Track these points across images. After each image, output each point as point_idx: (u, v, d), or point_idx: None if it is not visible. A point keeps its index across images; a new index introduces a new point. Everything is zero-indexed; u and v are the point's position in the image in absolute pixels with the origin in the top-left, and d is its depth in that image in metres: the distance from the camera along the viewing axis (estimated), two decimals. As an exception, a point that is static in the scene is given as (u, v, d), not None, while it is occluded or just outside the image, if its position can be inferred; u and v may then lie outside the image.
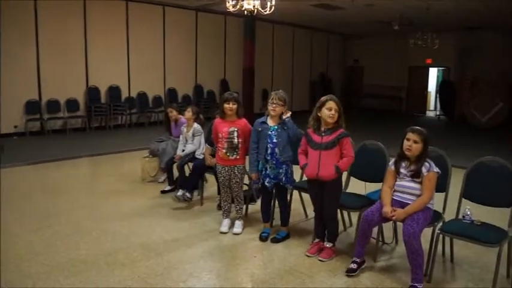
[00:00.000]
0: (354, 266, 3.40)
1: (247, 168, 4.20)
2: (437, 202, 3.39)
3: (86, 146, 8.88)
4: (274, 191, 4.11)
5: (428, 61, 17.08)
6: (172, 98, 12.38)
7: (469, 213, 3.37)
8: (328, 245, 3.76)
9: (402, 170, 3.36)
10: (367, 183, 4.12)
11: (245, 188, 4.57)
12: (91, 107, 10.89)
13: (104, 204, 5.16)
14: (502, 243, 3.06)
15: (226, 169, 4.17)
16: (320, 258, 3.67)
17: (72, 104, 10.68)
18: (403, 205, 3.30)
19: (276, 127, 3.90)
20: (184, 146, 5.51)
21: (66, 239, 4.03)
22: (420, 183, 3.27)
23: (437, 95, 17.12)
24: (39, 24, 10.02)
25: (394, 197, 3.38)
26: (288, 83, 16.36)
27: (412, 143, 3.26)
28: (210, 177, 5.15)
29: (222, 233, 4.24)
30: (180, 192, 5.03)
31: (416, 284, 3.10)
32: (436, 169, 3.25)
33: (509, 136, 11.39)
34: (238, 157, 4.15)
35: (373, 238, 3.65)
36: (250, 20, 12.15)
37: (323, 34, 18.00)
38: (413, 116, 17.17)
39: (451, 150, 3.65)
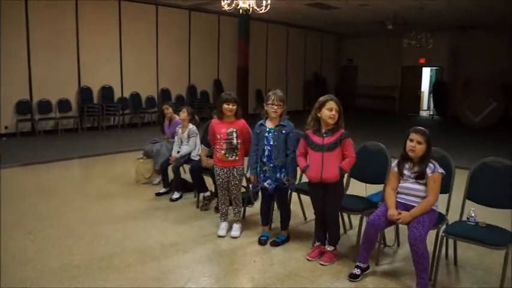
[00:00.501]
0: (357, 271, 3.32)
1: (245, 169, 4.10)
2: (440, 204, 3.31)
3: (78, 147, 8.76)
4: (273, 193, 4.00)
5: (422, 61, 17.12)
6: (166, 99, 12.24)
7: (473, 214, 3.31)
8: (329, 248, 3.68)
9: (406, 172, 3.29)
10: (367, 184, 4.04)
11: (242, 190, 4.49)
12: (83, 107, 10.76)
13: (97, 206, 5.05)
14: (508, 245, 2.99)
15: (225, 171, 4.08)
16: (321, 262, 3.59)
17: (64, 104, 10.53)
18: (407, 207, 3.23)
19: (273, 129, 3.82)
20: (180, 147, 5.45)
21: (58, 243, 3.91)
22: (424, 184, 3.20)
23: (431, 95, 17.15)
24: (31, 23, 9.86)
25: (398, 199, 3.31)
26: (282, 83, 16.31)
27: (415, 144, 3.20)
28: (206, 179, 5.04)
29: (219, 236, 4.15)
30: (200, 197, 5.01)
31: (421, 289, 3.03)
32: (440, 170, 3.19)
33: (505, 136, 11.41)
34: (237, 158, 4.08)
35: (377, 242, 3.56)
36: (245, 19, 12.07)
37: (317, 33, 17.99)
38: (407, 115, 17.19)
39: (451, 150, 3.58)
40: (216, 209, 4.78)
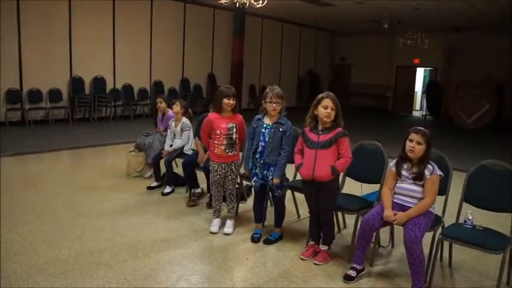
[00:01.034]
0: (352, 273, 3.27)
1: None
2: (436, 205, 3.26)
3: (69, 138, 8.62)
4: (267, 190, 3.97)
5: (416, 61, 17.16)
6: (158, 91, 12.16)
7: (470, 217, 3.28)
8: (323, 248, 3.63)
9: (404, 172, 3.25)
10: (363, 184, 4.01)
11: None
12: (74, 97, 10.60)
13: (87, 199, 4.96)
14: (506, 249, 2.96)
15: (223, 166, 4.02)
16: (315, 262, 3.55)
17: (54, 94, 10.35)
18: (403, 208, 3.19)
19: (270, 126, 3.76)
20: (172, 141, 5.40)
21: (46, 237, 3.81)
22: (422, 186, 3.17)
23: (424, 95, 17.19)
24: (22, 11, 9.65)
25: (395, 200, 3.28)
26: (276, 79, 16.29)
27: (415, 144, 3.16)
28: (199, 174, 4.98)
29: (212, 233, 4.09)
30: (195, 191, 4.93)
31: (416, 291, 2.99)
32: (439, 172, 3.15)
33: (498, 137, 11.46)
34: (235, 153, 4.04)
35: (371, 242, 3.52)
36: (240, 13, 11.97)
37: (312, 31, 17.95)
38: (400, 115, 17.22)
39: (445, 151, 3.54)
40: (209, 205, 4.74)
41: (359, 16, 13.39)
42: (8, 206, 4.58)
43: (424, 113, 17.22)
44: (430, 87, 16.53)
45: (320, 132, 3.44)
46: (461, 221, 3.37)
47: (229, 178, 4.06)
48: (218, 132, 3.94)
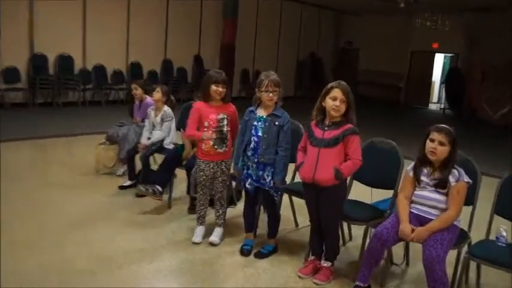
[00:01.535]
0: (357, 293, 3.20)
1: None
2: (461, 218, 3.19)
3: (28, 125, 8.52)
4: (255, 194, 3.90)
5: (435, 45, 17.09)
6: (136, 74, 12.07)
7: (504, 234, 3.22)
8: (325, 264, 3.56)
9: (423, 178, 3.18)
10: (373, 189, 3.96)
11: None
12: (35, 78, 10.48)
13: (48, 201, 4.84)
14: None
15: (212, 165, 3.95)
16: (316, 281, 3.48)
17: (10, 74, 10.19)
18: (422, 220, 3.13)
19: (264, 118, 3.69)
20: (151, 133, 5.33)
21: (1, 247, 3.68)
22: (446, 194, 3.10)
23: (443, 86, 17.17)
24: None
25: (412, 210, 3.21)
26: (273, 63, 16.18)
27: (437, 145, 3.08)
28: (179, 172, 4.89)
29: (194, 243, 4.02)
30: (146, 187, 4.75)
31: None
32: (466, 178, 3.08)
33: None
34: (226, 149, 3.96)
35: (383, 259, 3.45)
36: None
37: (313, 9, 17.88)
38: (414, 108, 17.26)
39: (471, 153, 3.49)
40: (190, 210, 4.69)
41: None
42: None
43: (442, 106, 17.22)
44: (450, 76, 16.50)
45: (326, 128, 3.36)
46: (492, 237, 3.31)
47: (219, 180, 4.00)
48: (206, 124, 3.87)
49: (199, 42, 14.18)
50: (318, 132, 3.40)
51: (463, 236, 3.25)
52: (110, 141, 5.88)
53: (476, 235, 3.39)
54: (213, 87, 3.84)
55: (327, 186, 3.34)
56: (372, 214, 3.69)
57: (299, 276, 3.54)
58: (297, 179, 4.22)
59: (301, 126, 4.30)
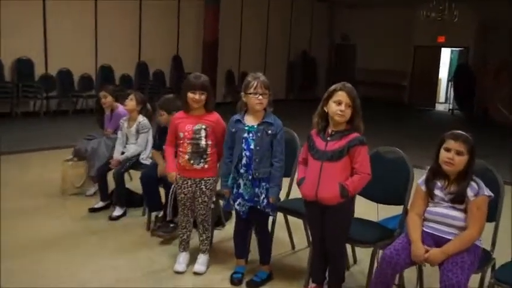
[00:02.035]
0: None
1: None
2: (483, 236, 3.15)
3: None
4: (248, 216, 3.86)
5: (441, 39, 17.25)
6: (107, 79, 12.05)
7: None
8: (329, 292, 3.53)
9: (437, 192, 3.15)
10: (380, 205, 3.94)
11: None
12: (-11, 86, 10.47)
13: (6, 228, 4.70)
14: None
15: (190, 183, 3.91)
16: (318, 312, 3.45)
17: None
18: (438, 240, 3.09)
19: (255, 128, 3.64)
20: (125, 146, 5.34)
21: None
22: (464, 210, 3.06)
23: (451, 84, 17.28)
24: None
25: (426, 229, 3.17)
26: (260, 63, 16.33)
27: (454, 155, 3.04)
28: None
29: (177, 272, 3.98)
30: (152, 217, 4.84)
31: None
32: (487, 192, 3.04)
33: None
34: (206, 166, 3.89)
35: (394, 285, 3.39)
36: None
37: (306, 2, 17.99)
38: (419, 110, 17.39)
39: (488, 160, 3.45)
40: (154, 231, 4.71)
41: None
42: None
43: (450, 107, 17.34)
44: (459, 73, 16.68)
45: (329, 138, 3.32)
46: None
47: (200, 201, 3.96)
48: (181, 135, 3.86)
49: (177, 42, 14.22)
50: (319, 143, 3.35)
51: (486, 257, 3.20)
52: (77, 157, 5.82)
53: (502, 256, 3.36)
54: (190, 94, 3.81)
55: (331, 204, 3.29)
56: (380, 234, 3.64)
57: (298, 308, 3.51)
58: (293, 195, 4.21)
59: (295, 134, 4.27)
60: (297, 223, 4.41)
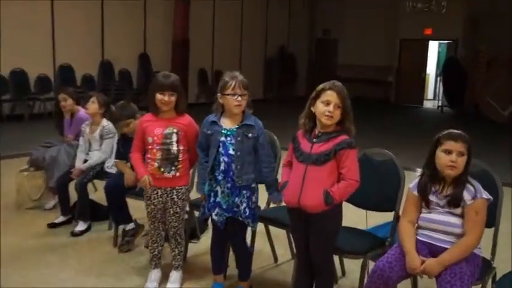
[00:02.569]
0: None
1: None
2: (482, 243, 3.15)
3: None
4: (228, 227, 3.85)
5: (428, 31, 17.49)
6: (67, 80, 12.00)
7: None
8: (315, 309, 3.52)
9: (432, 198, 3.14)
10: (368, 211, 3.97)
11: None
12: None
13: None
14: None
15: (160, 193, 3.88)
16: (305, 332, 3.44)
17: None
18: (433, 250, 3.08)
19: (234, 132, 3.62)
20: (87, 154, 5.31)
21: None
22: (461, 216, 3.05)
23: (440, 79, 17.47)
24: None
25: (420, 237, 3.16)
26: (235, 61, 16.42)
27: (456, 157, 3.02)
28: (133, 203, 4.86)
29: None
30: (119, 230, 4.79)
31: None
32: (485, 195, 3.04)
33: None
34: (178, 174, 3.86)
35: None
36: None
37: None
38: (406, 107, 17.59)
39: (484, 160, 3.47)
40: (122, 246, 4.72)
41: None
42: None
43: (439, 103, 17.56)
44: (448, 67, 16.87)
45: (315, 140, 3.28)
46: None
47: (171, 212, 3.93)
48: (150, 140, 3.83)
49: (144, 38, 14.23)
50: (305, 145, 3.33)
51: (485, 267, 3.20)
52: (34, 167, 5.78)
53: (502, 265, 3.39)
54: (158, 95, 3.78)
55: (315, 212, 3.26)
56: (370, 243, 3.65)
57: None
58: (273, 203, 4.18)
59: (275, 137, 4.26)
60: (279, 234, 4.40)
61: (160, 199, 3.88)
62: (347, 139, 3.24)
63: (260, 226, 4.15)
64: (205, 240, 4.64)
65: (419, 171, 3.34)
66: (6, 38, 11.29)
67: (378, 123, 13.26)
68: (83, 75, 12.72)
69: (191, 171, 4.04)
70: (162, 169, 3.81)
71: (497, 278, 3.22)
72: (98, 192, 5.60)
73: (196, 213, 4.62)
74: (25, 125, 11.02)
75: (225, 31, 16.31)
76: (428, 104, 18.61)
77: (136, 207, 4.82)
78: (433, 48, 19.31)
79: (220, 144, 3.62)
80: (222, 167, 3.63)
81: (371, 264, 3.32)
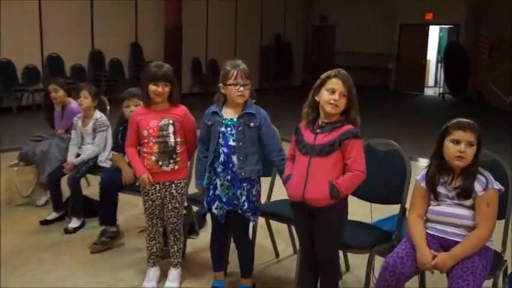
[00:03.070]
0: None
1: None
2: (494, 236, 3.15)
3: None
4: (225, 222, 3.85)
5: (429, 16, 17.46)
6: (55, 70, 11.96)
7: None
8: (320, 306, 3.52)
9: (441, 189, 3.12)
10: (373, 204, 3.97)
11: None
12: None
13: None
14: None
15: (158, 188, 3.87)
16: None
17: None
18: (443, 243, 3.07)
19: (235, 121, 3.60)
20: (80, 147, 5.31)
21: None
22: (471, 207, 3.04)
23: (441, 65, 17.46)
24: None
25: (429, 231, 3.15)
26: (230, 49, 16.42)
27: (465, 147, 3.00)
28: (130, 199, 4.91)
29: None
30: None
31: None
32: (497, 185, 3.03)
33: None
34: (177, 167, 3.86)
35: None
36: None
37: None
38: (407, 95, 17.62)
39: (493, 150, 3.46)
40: (104, 243, 4.69)
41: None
42: None
43: (441, 91, 17.58)
44: (450, 53, 16.84)
45: (318, 130, 3.25)
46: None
47: (170, 207, 3.92)
48: (145, 133, 3.81)
49: (136, 27, 14.20)
50: (308, 137, 3.30)
51: (496, 260, 3.20)
52: (24, 162, 5.79)
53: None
54: (152, 87, 3.76)
55: (320, 206, 3.24)
56: (376, 237, 3.64)
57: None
58: (275, 197, 4.16)
59: (275, 129, 4.21)
60: (280, 228, 4.40)
61: (158, 194, 3.88)
62: (351, 129, 3.22)
63: (261, 221, 4.16)
64: (204, 236, 4.66)
65: (421, 160, 3.32)
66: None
67: (378, 112, 13.20)
68: (72, 65, 12.69)
69: (189, 163, 4.02)
70: (160, 163, 3.80)
71: (509, 271, 3.22)
72: (91, 187, 5.59)
73: (195, 208, 4.65)
74: (13, 118, 11.01)
75: (220, 19, 16.28)
76: (429, 92, 18.59)
77: (132, 204, 4.81)
78: (434, 33, 19.27)
79: (220, 135, 3.62)
80: (221, 159, 3.63)
81: (377, 259, 3.32)
